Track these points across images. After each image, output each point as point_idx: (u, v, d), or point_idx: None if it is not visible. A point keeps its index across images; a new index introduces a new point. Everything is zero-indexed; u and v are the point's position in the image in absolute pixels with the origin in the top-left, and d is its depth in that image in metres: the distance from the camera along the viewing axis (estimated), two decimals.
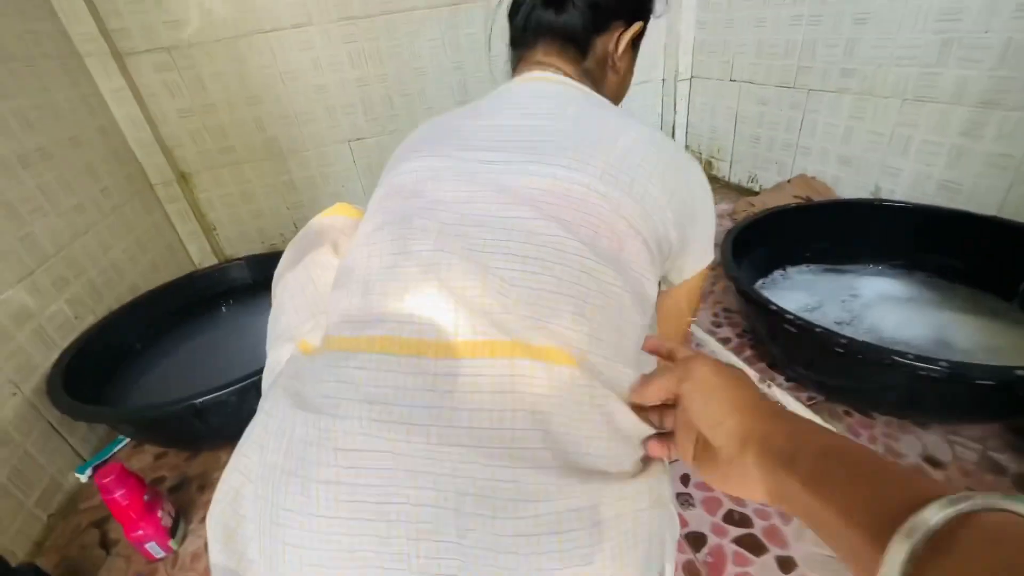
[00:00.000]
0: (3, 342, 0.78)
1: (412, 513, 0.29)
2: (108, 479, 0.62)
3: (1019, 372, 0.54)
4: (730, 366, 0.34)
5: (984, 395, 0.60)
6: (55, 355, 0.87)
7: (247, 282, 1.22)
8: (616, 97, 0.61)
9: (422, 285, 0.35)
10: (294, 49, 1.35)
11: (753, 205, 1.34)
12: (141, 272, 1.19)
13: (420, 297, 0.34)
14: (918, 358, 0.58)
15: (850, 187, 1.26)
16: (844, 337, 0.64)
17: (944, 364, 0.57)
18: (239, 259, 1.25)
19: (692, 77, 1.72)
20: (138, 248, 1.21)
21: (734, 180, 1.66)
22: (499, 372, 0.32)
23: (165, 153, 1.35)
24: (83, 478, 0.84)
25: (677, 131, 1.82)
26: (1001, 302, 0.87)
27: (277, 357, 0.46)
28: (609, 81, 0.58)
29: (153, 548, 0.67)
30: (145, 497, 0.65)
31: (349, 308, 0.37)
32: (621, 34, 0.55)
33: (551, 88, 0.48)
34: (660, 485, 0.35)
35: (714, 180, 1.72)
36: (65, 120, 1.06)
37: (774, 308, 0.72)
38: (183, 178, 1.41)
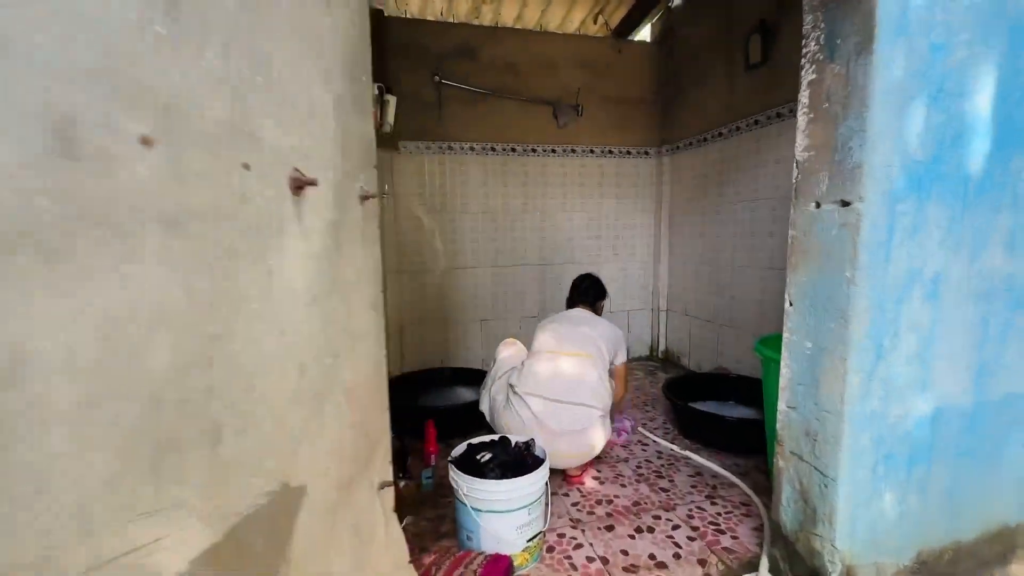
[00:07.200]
0: None
1: None
2: None
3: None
4: None
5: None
6: None
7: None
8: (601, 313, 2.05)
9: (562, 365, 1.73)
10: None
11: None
12: None
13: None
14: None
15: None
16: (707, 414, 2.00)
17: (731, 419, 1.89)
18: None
19: (667, 310, 3.26)
20: None
21: (692, 367, 3.02)
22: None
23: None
24: None
25: (660, 340, 3.31)
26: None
27: (500, 384, 1.77)
28: (599, 310, 2.04)
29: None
30: None
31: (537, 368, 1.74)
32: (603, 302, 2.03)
33: (583, 314, 1.92)
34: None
35: (680, 367, 3.10)
36: None
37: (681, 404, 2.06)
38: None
